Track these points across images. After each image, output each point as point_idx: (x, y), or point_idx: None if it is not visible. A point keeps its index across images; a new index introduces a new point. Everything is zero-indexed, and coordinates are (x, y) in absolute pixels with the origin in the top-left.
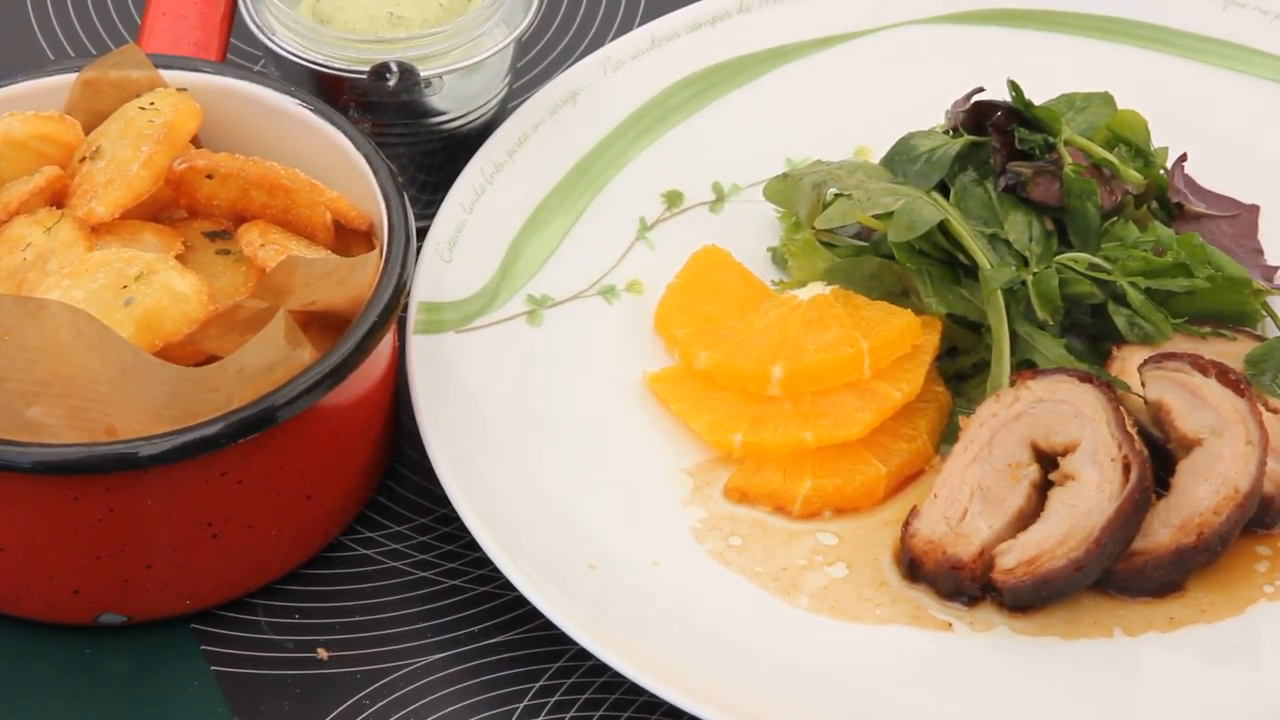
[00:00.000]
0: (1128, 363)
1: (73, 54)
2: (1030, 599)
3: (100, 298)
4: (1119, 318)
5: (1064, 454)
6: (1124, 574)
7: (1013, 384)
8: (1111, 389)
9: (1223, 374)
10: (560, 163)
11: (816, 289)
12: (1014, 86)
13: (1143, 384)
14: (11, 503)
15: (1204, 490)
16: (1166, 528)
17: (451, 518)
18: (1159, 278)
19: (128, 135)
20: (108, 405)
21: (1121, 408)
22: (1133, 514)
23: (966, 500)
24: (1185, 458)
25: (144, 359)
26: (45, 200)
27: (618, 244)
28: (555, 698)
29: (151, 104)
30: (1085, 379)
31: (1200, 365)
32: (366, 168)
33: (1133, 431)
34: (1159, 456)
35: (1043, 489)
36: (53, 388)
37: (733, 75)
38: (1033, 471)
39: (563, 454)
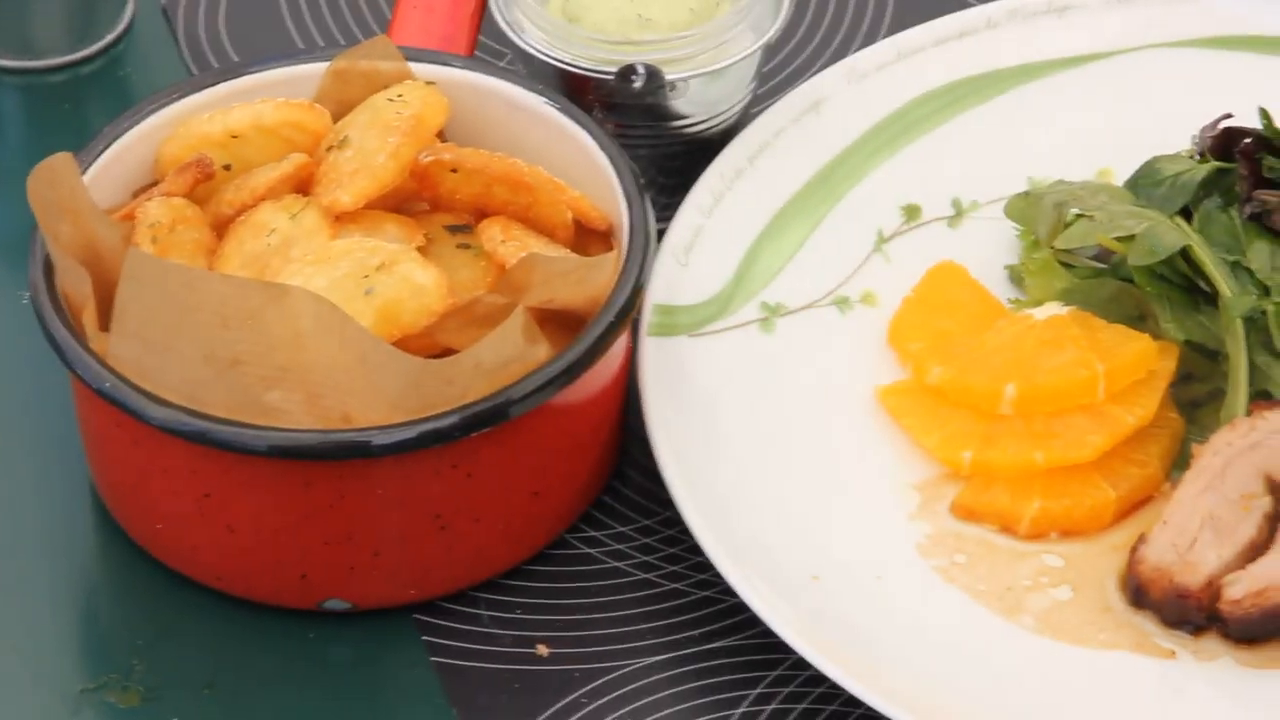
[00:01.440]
0: None
1: (322, 43)
2: (1257, 631)
3: (342, 286)
4: None
5: None
6: None
7: (1249, 413)
8: None
9: None
10: (800, 171)
11: (1053, 309)
12: (1264, 114)
13: None
14: (245, 485)
15: None
16: None
17: (675, 521)
18: None
19: (375, 126)
20: (345, 393)
21: None
22: None
23: (1196, 529)
24: None
25: (383, 349)
26: (291, 187)
27: (854, 255)
28: (772, 705)
29: (400, 96)
30: None
31: None
32: (610, 168)
33: None
34: None
35: (1275, 521)
36: (291, 373)
37: (977, 91)
38: (1266, 503)
39: (790, 462)
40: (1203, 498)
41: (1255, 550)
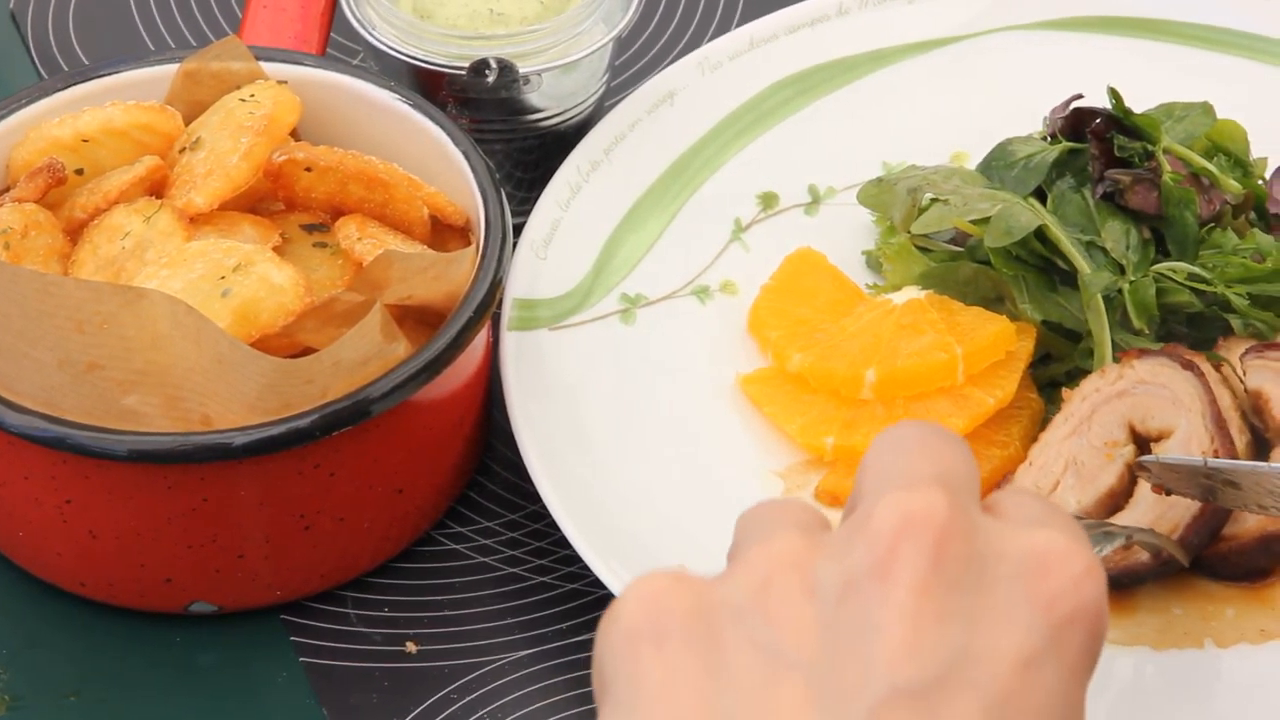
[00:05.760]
0: (1231, 353)
1: (173, 45)
2: (1111, 585)
3: (198, 288)
4: (1232, 320)
5: (1158, 440)
6: (1210, 558)
7: (1118, 360)
8: (1207, 381)
9: None
10: (656, 162)
11: (911, 293)
12: (1114, 94)
13: (1244, 372)
14: (106, 490)
15: None
16: (1255, 515)
17: (542, 515)
18: (1259, 283)
19: (227, 127)
20: (203, 395)
21: (1217, 400)
22: (1217, 511)
23: (1060, 472)
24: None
25: (240, 349)
26: (144, 190)
27: (712, 244)
28: None
29: (252, 96)
30: (1187, 365)
31: None
32: (464, 164)
33: (1226, 425)
34: (1260, 446)
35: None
36: (149, 376)
37: (830, 78)
38: (1128, 452)
39: (654, 453)
40: (1068, 442)
41: (1114, 498)
